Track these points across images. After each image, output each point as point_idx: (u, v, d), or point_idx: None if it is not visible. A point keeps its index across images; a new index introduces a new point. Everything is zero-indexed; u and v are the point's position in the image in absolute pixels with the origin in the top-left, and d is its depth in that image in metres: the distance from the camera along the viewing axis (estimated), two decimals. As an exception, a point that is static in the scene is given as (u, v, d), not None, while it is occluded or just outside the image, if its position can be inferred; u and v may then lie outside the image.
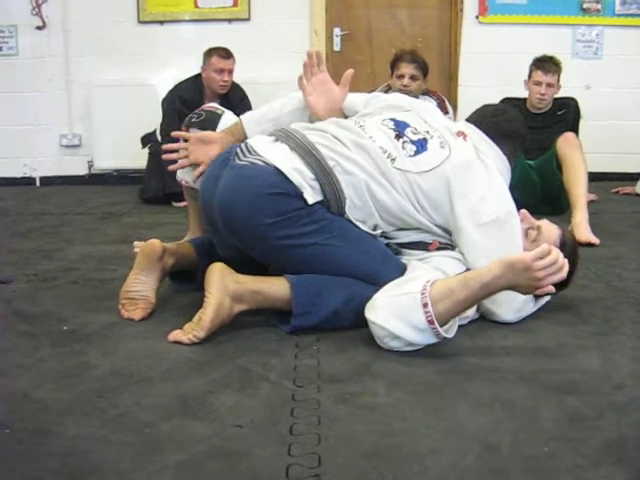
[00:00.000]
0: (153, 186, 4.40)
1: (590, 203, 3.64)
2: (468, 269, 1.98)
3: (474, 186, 2.03)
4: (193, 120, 2.36)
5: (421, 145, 2.07)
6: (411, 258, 2.07)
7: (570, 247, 2.14)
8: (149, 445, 1.32)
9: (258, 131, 2.20)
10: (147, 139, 4.64)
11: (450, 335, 1.80)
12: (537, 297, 2.05)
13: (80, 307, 2.18)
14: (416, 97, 3.82)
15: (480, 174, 2.06)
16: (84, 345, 1.86)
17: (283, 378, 1.65)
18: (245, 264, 2.02)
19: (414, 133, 2.10)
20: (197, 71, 4.46)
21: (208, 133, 2.27)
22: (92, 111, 5.24)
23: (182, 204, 3.92)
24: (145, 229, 3.49)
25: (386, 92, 4.17)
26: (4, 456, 1.29)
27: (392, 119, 2.13)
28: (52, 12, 5.22)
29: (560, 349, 1.86)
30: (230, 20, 5.26)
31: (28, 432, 1.37)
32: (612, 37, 5.26)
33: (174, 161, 2.34)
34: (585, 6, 5.23)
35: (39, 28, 5.24)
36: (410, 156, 2.04)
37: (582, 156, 3.57)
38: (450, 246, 2.09)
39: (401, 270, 1.99)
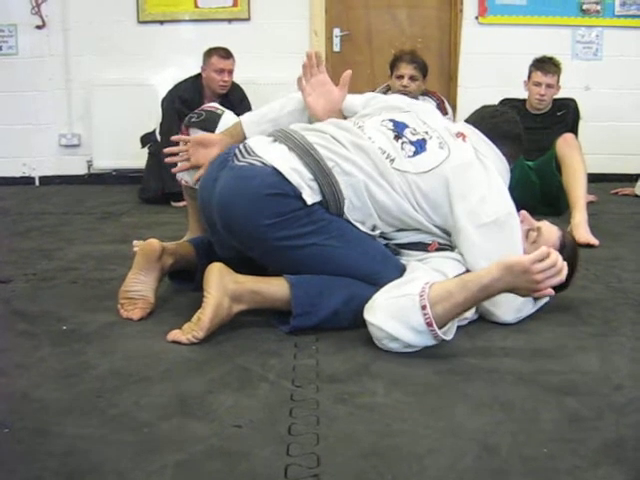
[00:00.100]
0: (152, 186, 4.40)
1: (589, 204, 3.64)
2: (467, 270, 1.98)
3: (473, 187, 2.03)
4: (193, 120, 2.36)
5: (420, 146, 2.07)
6: (410, 259, 2.07)
7: (570, 249, 2.14)
8: (148, 445, 1.32)
9: (258, 132, 2.20)
10: (146, 139, 4.64)
11: (449, 337, 1.80)
12: (536, 298, 2.05)
13: (79, 307, 2.18)
14: (415, 98, 3.83)
15: (479, 175, 2.06)
16: (83, 345, 1.86)
17: (282, 378, 1.65)
18: (244, 264, 2.03)
19: (413, 134, 2.10)
20: (197, 71, 4.45)
21: (207, 136, 2.27)
22: (92, 111, 5.24)
23: (181, 204, 3.92)
24: (144, 229, 3.49)
25: (385, 93, 4.17)
26: (4, 456, 1.29)
27: (391, 120, 2.13)
28: (52, 11, 5.22)
29: (559, 350, 1.86)
30: (230, 20, 5.26)
31: (27, 432, 1.37)
32: (612, 38, 5.26)
33: (176, 163, 2.35)
34: (585, 7, 5.23)
35: (39, 27, 5.24)
36: (409, 157, 2.04)
37: (581, 157, 3.57)
38: (449, 247, 2.09)
39: (400, 271, 2.00)
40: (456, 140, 2.12)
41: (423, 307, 1.73)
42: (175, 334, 1.87)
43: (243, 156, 2.00)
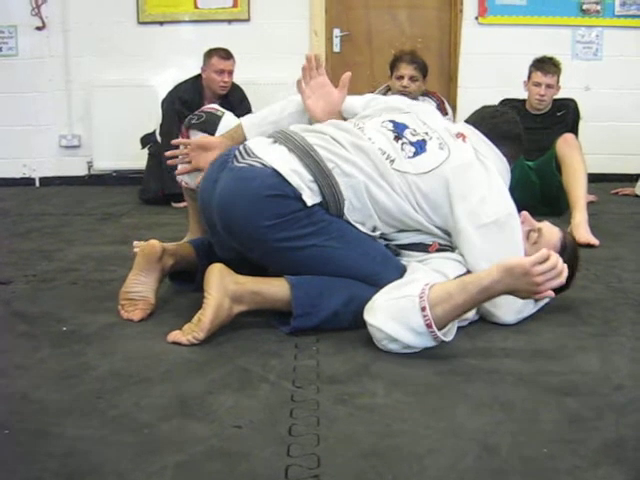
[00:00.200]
0: (153, 187, 4.40)
1: (589, 204, 3.64)
2: (468, 271, 1.98)
3: (473, 188, 2.03)
4: (193, 122, 2.36)
5: (420, 147, 2.07)
6: (411, 260, 2.07)
7: (571, 250, 2.14)
8: (148, 446, 1.32)
9: (258, 134, 2.20)
10: (147, 140, 4.65)
11: (448, 338, 1.80)
12: (537, 300, 2.05)
13: (79, 308, 2.18)
14: (415, 98, 3.84)
15: (479, 175, 2.06)
16: (83, 346, 1.86)
17: (282, 379, 1.65)
18: (245, 265, 2.02)
19: (413, 135, 2.10)
20: (197, 72, 4.46)
21: (208, 139, 2.27)
22: (92, 112, 5.24)
23: (181, 205, 3.92)
24: (145, 230, 3.49)
25: (385, 93, 4.18)
26: (4, 457, 1.29)
27: (391, 121, 2.13)
28: (52, 13, 5.22)
29: (559, 350, 1.86)
30: (230, 21, 5.26)
31: (27, 433, 1.37)
32: (612, 38, 5.26)
33: (176, 166, 2.36)
34: (585, 7, 5.23)
35: (39, 28, 5.24)
36: (409, 157, 2.04)
37: (581, 157, 3.57)
38: (450, 248, 2.09)
39: (400, 271, 2.00)
40: (456, 141, 2.11)
41: (423, 308, 1.73)
42: (175, 335, 1.87)
43: (243, 157, 2.00)
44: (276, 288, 1.93)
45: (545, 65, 4.02)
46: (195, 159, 2.27)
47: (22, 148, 5.36)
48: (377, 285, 1.90)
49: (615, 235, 3.37)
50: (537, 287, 1.72)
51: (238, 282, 1.91)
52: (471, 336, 1.94)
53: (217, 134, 2.33)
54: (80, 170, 5.44)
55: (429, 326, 1.73)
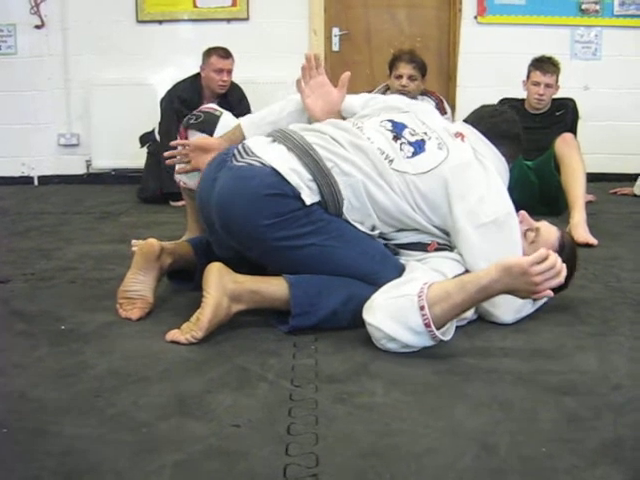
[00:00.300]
0: (151, 185, 4.40)
1: (588, 204, 3.65)
2: (466, 270, 1.98)
3: (472, 187, 2.03)
4: (191, 122, 2.36)
5: (419, 146, 2.07)
6: (409, 259, 2.07)
7: (569, 249, 2.14)
8: (146, 445, 1.32)
9: (258, 134, 2.20)
10: (145, 138, 4.64)
11: (447, 338, 1.80)
12: (535, 299, 2.05)
13: (78, 306, 2.18)
14: (414, 97, 3.84)
15: (478, 175, 2.06)
16: (82, 344, 1.86)
17: (281, 378, 1.65)
18: (243, 264, 2.02)
19: (412, 134, 2.10)
20: (196, 71, 4.45)
21: (206, 141, 2.28)
22: (90, 110, 5.23)
23: (180, 203, 3.92)
24: (143, 228, 3.49)
25: (384, 92, 4.17)
26: (2, 455, 1.29)
27: (390, 120, 2.13)
28: (51, 11, 5.21)
29: (558, 350, 1.86)
30: (229, 20, 5.26)
31: (25, 431, 1.37)
32: (611, 38, 5.26)
33: (175, 166, 2.36)
34: (584, 7, 5.23)
35: (38, 27, 5.23)
36: (408, 157, 2.04)
37: (580, 157, 3.57)
38: (448, 247, 2.09)
39: (399, 270, 2.00)
40: (455, 140, 2.11)
41: (421, 308, 1.73)
42: (174, 334, 1.87)
43: (242, 156, 1.99)
44: (275, 287, 1.93)
45: (544, 65, 4.02)
46: (194, 160, 2.28)
47: (21, 147, 5.35)
48: (376, 284, 1.90)
49: (614, 235, 3.37)
50: (536, 286, 1.72)
51: (237, 281, 1.91)
52: (470, 335, 1.94)
53: (216, 134, 2.33)
54: (79, 169, 5.44)
55: (428, 325, 1.73)
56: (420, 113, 2.20)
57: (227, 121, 2.37)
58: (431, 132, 2.12)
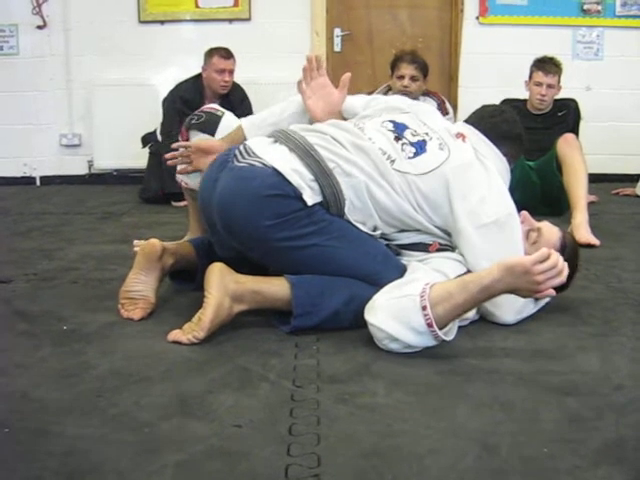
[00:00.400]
0: (153, 186, 4.40)
1: (590, 204, 3.64)
2: (468, 270, 1.98)
3: (473, 188, 2.03)
4: (193, 122, 2.37)
5: (420, 147, 2.07)
6: (411, 259, 2.07)
7: (571, 249, 2.14)
8: (148, 445, 1.32)
9: (259, 136, 2.20)
10: (147, 139, 4.65)
11: (449, 338, 1.80)
12: (537, 299, 2.05)
13: (80, 307, 2.18)
14: (416, 98, 3.84)
15: (479, 175, 2.06)
16: (84, 345, 1.86)
17: (282, 378, 1.65)
18: (245, 264, 2.03)
19: (413, 135, 2.09)
20: (198, 71, 4.45)
21: (208, 143, 2.29)
22: (92, 111, 5.23)
23: (182, 204, 3.92)
24: (145, 229, 3.49)
25: (386, 93, 4.18)
26: (4, 455, 1.29)
27: (391, 121, 2.13)
28: (53, 11, 5.22)
29: (559, 350, 1.86)
30: (231, 20, 5.26)
31: (28, 431, 1.37)
32: (613, 38, 5.26)
33: (176, 166, 2.37)
34: (585, 7, 5.23)
35: (40, 27, 5.24)
36: (409, 158, 2.04)
37: (582, 157, 3.57)
38: (450, 247, 2.09)
39: (401, 271, 1.99)
40: (456, 141, 2.11)
41: (424, 308, 1.73)
42: (176, 334, 1.87)
43: (243, 157, 1.99)
44: (276, 287, 1.93)
45: (546, 65, 4.02)
46: (195, 161, 2.29)
47: (23, 147, 5.36)
48: (378, 284, 1.90)
49: (616, 235, 3.37)
50: (538, 286, 1.72)
51: (238, 281, 1.91)
52: (471, 336, 1.94)
53: (217, 134, 2.33)
54: (81, 169, 5.44)
55: (430, 325, 1.73)
56: (421, 114, 2.21)
57: (229, 121, 2.37)
58: (432, 133, 2.12)
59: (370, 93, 3.42)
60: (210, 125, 2.35)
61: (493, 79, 5.15)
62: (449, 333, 1.80)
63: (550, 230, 2.18)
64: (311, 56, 2.34)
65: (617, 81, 5.28)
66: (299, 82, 2.30)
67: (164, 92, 4.53)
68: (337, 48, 5.40)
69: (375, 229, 2.06)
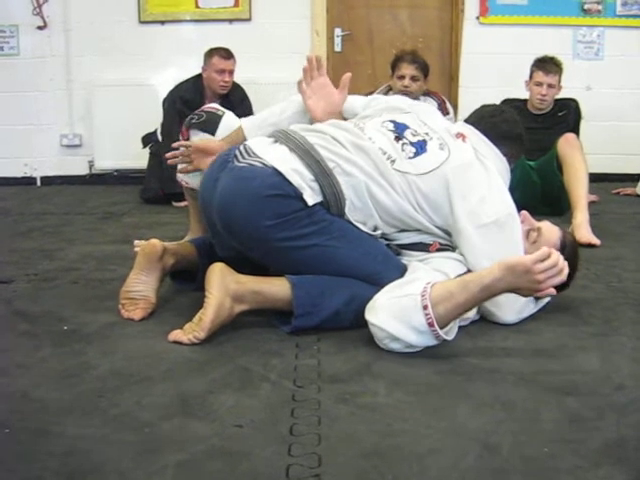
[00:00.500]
0: (154, 186, 4.40)
1: (591, 204, 3.64)
2: (469, 270, 1.98)
3: (473, 188, 2.03)
4: (193, 121, 2.37)
5: (420, 147, 2.07)
6: (411, 259, 2.07)
7: (571, 249, 2.14)
8: (149, 445, 1.32)
9: (259, 136, 2.20)
10: (148, 139, 4.65)
11: (450, 337, 1.80)
12: (537, 298, 2.05)
13: (80, 307, 2.18)
14: (417, 98, 3.84)
15: (479, 175, 2.06)
16: (84, 345, 1.86)
17: (283, 378, 1.65)
18: (246, 264, 2.03)
19: (413, 135, 2.10)
20: (198, 71, 4.45)
21: (208, 144, 2.29)
22: (93, 111, 5.24)
23: (182, 204, 3.92)
24: (146, 229, 3.49)
25: (387, 93, 4.18)
26: (4, 456, 1.29)
27: (391, 121, 2.13)
28: (53, 12, 5.22)
29: (560, 350, 1.86)
30: (231, 20, 5.26)
31: (28, 432, 1.37)
32: (613, 38, 5.26)
33: (177, 165, 2.37)
34: (586, 7, 5.23)
35: (40, 28, 5.24)
36: (409, 158, 2.04)
37: (583, 157, 3.56)
38: (450, 247, 2.09)
39: (401, 271, 1.99)
40: (456, 141, 2.11)
41: (425, 307, 1.73)
42: (176, 334, 1.87)
43: (243, 157, 1.99)
44: (277, 287, 1.93)
45: (547, 65, 4.01)
46: (195, 160, 2.30)
47: (23, 147, 5.36)
48: (378, 284, 1.90)
49: (616, 235, 3.37)
50: (538, 285, 1.72)
51: (239, 281, 1.91)
52: (472, 335, 1.94)
53: (217, 133, 2.34)
54: (81, 169, 5.44)
55: (431, 325, 1.73)
56: (421, 114, 2.21)
57: (229, 121, 2.37)
58: (433, 133, 2.12)
59: (370, 93, 3.41)
60: (210, 124, 2.35)
61: (493, 79, 5.15)
62: (450, 333, 1.80)
63: (550, 229, 2.18)
64: (311, 56, 2.34)
65: (618, 81, 5.28)
66: (299, 82, 2.30)
67: (164, 92, 4.53)
68: (337, 48, 5.40)
69: (375, 229, 2.06)
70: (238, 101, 4.41)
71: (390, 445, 1.33)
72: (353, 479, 1.22)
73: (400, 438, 1.36)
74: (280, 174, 1.92)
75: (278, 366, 1.72)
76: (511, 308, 2.01)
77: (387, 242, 2.11)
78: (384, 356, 1.78)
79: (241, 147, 2.04)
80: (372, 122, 2.14)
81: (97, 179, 5.41)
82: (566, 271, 1.74)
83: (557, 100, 4.11)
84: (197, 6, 5.24)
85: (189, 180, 2.39)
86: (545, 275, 1.71)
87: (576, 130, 4.06)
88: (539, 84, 4.02)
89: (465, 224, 2.01)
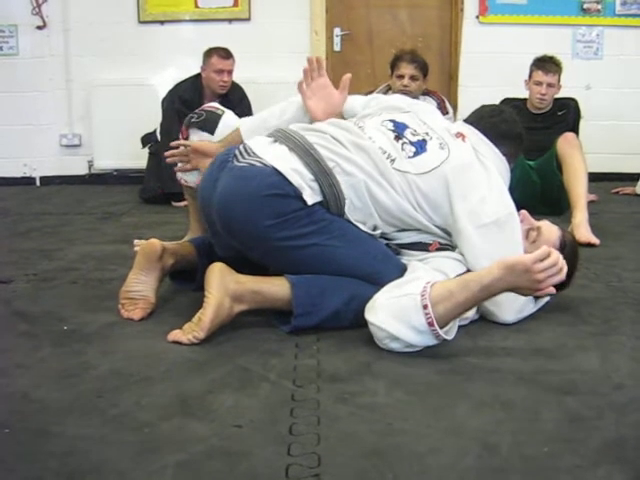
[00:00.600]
0: (153, 186, 4.41)
1: (590, 203, 3.64)
2: (468, 270, 1.98)
3: (473, 187, 2.03)
4: (193, 120, 2.37)
5: (420, 146, 2.07)
6: (411, 259, 2.07)
7: (570, 248, 2.14)
8: (149, 445, 1.32)
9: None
10: (147, 139, 4.65)
11: (450, 337, 1.80)
12: (537, 298, 2.05)
13: (80, 307, 2.18)
14: (416, 97, 3.83)
15: (479, 175, 2.06)
16: (84, 345, 1.86)
17: (283, 378, 1.65)
18: (245, 264, 2.02)
19: (413, 134, 2.09)
20: (197, 71, 4.45)
21: (205, 145, 2.30)
22: (92, 111, 5.24)
23: (182, 204, 3.93)
24: (145, 229, 3.49)
25: (386, 92, 4.17)
26: (4, 456, 1.29)
27: (391, 120, 2.13)
28: (52, 12, 5.22)
29: (559, 349, 1.86)
30: (230, 20, 5.26)
31: (28, 432, 1.37)
32: (612, 37, 5.26)
33: (176, 164, 2.37)
34: (585, 6, 5.23)
35: (39, 28, 5.24)
36: (409, 157, 2.04)
37: (582, 156, 3.56)
38: (450, 247, 2.09)
39: (401, 270, 1.99)
40: (456, 140, 2.11)
41: (424, 307, 1.73)
42: (176, 334, 1.87)
43: (243, 157, 1.99)
44: (277, 287, 1.93)
45: (546, 64, 4.01)
46: (194, 160, 2.30)
47: (23, 147, 5.36)
48: (378, 284, 1.90)
49: (615, 234, 3.37)
50: (538, 284, 1.73)
51: (239, 281, 1.91)
52: (472, 335, 1.94)
53: (217, 133, 2.34)
54: (81, 169, 5.44)
55: (431, 324, 1.73)
56: (421, 113, 2.20)
57: (229, 120, 2.37)
58: (432, 132, 2.12)
59: (370, 92, 3.42)
60: (210, 123, 2.35)
61: (493, 78, 5.14)
62: (450, 332, 1.80)
63: (549, 229, 2.18)
64: (312, 58, 2.34)
65: (617, 80, 5.28)
66: (299, 83, 2.29)
67: (164, 92, 4.53)
68: (337, 48, 5.41)
69: (375, 228, 2.06)
70: (237, 101, 4.40)
71: (390, 445, 1.33)
72: (353, 479, 1.22)
73: (400, 438, 1.36)
74: (280, 174, 1.92)
75: (277, 366, 1.72)
76: (511, 307, 2.01)
77: (387, 242, 2.11)
78: (384, 356, 1.78)
79: (241, 147, 2.04)
80: (372, 121, 2.14)
81: (96, 179, 5.41)
82: (565, 270, 1.74)
83: (556, 99, 4.11)
84: (196, 6, 5.24)
85: (187, 178, 2.40)
86: (545, 274, 1.71)
87: (575, 129, 4.06)
88: (538, 83, 4.02)
89: (465, 224, 2.01)
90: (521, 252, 2.00)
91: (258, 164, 1.96)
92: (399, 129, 2.10)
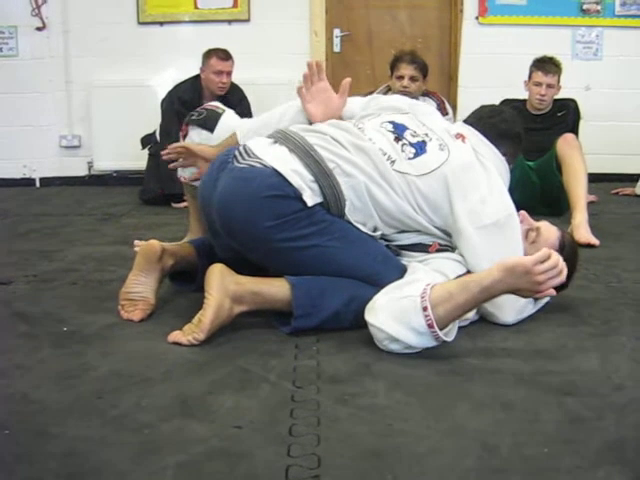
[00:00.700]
0: (153, 187, 4.40)
1: (590, 204, 3.64)
2: (468, 271, 1.98)
3: (474, 188, 2.03)
4: (194, 118, 2.38)
5: (420, 148, 2.07)
6: (411, 260, 2.07)
7: (570, 249, 2.15)
8: (149, 446, 1.32)
9: None
10: (147, 140, 4.64)
11: (449, 338, 1.79)
12: (537, 298, 2.05)
13: (80, 308, 2.18)
14: (416, 98, 3.82)
15: (479, 176, 2.06)
16: (84, 346, 1.86)
17: (283, 379, 1.65)
18: (245, 265, 2.02)
19: (413, 136, 2.09)
20: (196, 72, 4.45)
21: (201, 148, 2.31)
22: (92, 112, 5.24)
23: (181, 205, 3.93)
24: (145, 230, 3.49)
25: (386, 93, 4.17)
26: (4, 457, 1.29)
27: (391, 122, 2.12)
28: (52, 13, 5.23)
29: (559, 350, 1.86)
30: (230, 21, 5.26)
31: (28, 433, 1.37)
32: (612, 38, 5.27)
33: (173, 160, 2.38)
34: (585, 7, 5.23)
35: (39, 29, 5.24)
36: (409, 159, 2.04)
37: (582, 157, 3.57)
38: (450, 248, 2.09)
39: (401, 271, 1.99)
40: (456, 141, 2.11)
41: (424, 308, 1.73)
42: (176, 335, 1.87)
43: (243, 158, 1.99)
44: (276, 288, 1.93)
45: (546, 65, 4.01)
46: (190, 159, 2.32)
47: (22, 148, 5.36)
48: (378, 285, 1.90)
49: (615, 235, 3.37)
50: (538, 286, 1.72)
51: (239, 282, 1.91)
52: (472, 336, 1.94)
53: (216, 131, 2.34)
54: (80, 170, 5.45)
55: (430, 326, 1.73)
56: (421, 114, 2.20)
57: (229, 118, 2.38)
58: (432, 133, 2.11)
59: (370, 93, 3.41)
60: (210, 121, 2.36)
61: (493, 79, 5.15)
62: (449, 334, 1.80)
63: (549, 229, 2.18)
64: (312, 62, 2.33)
65: (616, 81, 5.29)
66: (299, 88, 2.28)
67: (163, 93, 4.53)
68: (336, 48, 5.41)
69: (375, 230, 2.06)
70: (237, 101, 4.40)
71: (390, 446, 1.33)
72: (353, 480, 1.22)
73: (400, 439, 1.36)
74: (280, 175, 1.92)
75: (277, 367, 1.72)
76: (511, 309, 2.01)
77: (387, 243, 2.11)
78: (384, 357, 1.78)
79: (241, 148, 2.04)
80: (371, 122, 2.13)
81: (96, 180, 5.41)
82: (565, 272, 1.74)
83: (556, 100, 4.11)
84: (196, 7, 5.25)
85: (184, 174, 2.41)
86: (545, 276, 1.71)
87: (575, 130, 4.06)
88: (538, 84, 4.02)
89: (465, 224, 2.00)
90: (521, 253, 2.00)
91: (258, 165, 1.95)
92: (399, 130, 2.10)
